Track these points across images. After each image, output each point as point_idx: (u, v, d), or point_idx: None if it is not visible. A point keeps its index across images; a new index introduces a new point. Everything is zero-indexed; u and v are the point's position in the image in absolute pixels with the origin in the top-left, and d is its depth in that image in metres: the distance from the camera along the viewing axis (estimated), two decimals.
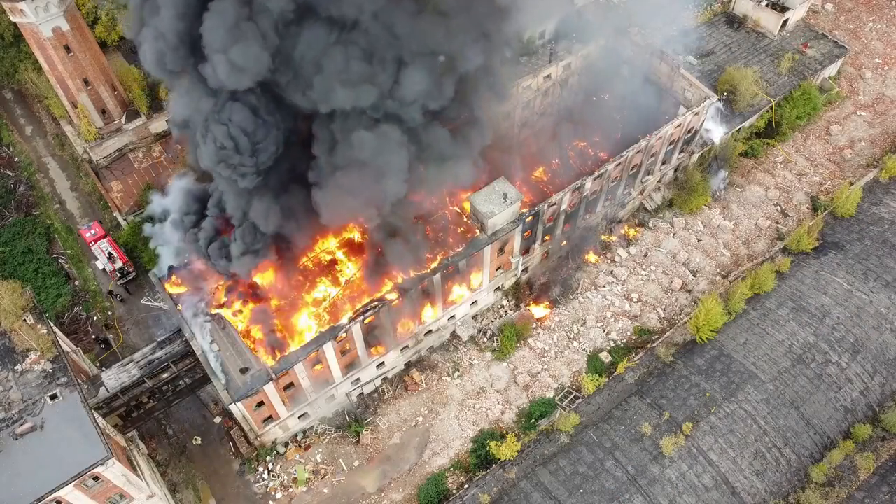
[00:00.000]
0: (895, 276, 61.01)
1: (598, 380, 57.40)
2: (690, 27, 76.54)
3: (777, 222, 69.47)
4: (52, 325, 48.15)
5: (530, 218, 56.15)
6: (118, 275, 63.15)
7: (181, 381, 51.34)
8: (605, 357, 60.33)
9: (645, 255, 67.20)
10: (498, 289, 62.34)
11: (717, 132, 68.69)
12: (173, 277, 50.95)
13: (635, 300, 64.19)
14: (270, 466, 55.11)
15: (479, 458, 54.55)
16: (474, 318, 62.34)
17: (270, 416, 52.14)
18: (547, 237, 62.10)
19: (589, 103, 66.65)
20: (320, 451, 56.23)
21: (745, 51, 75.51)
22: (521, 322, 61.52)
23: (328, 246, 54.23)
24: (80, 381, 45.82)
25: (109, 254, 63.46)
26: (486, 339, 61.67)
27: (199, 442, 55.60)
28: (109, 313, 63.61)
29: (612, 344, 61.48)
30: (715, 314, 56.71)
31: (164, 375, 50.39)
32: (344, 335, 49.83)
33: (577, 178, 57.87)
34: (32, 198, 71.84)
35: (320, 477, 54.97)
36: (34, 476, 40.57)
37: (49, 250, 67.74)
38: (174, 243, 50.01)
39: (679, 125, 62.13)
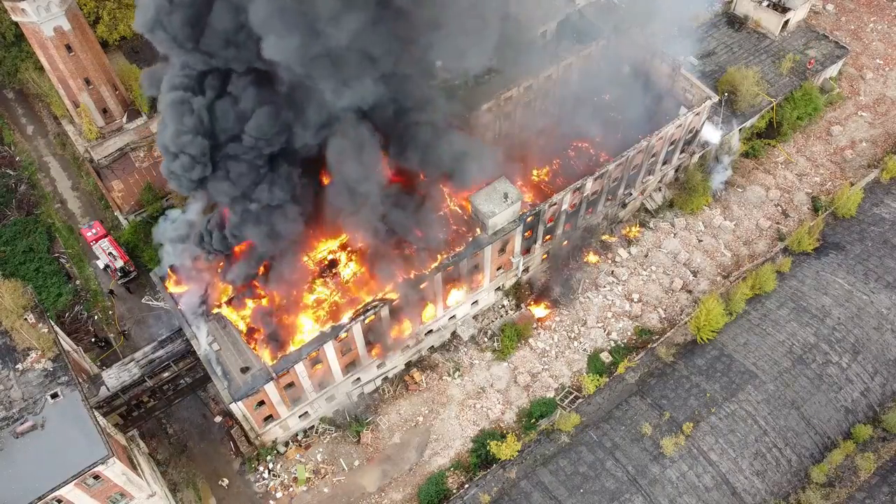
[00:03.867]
0: None
1: (598, 380, 57.42)
2: (691, 27, 76.57)
3: (778, 223, 69.47)
4: (52, 324, 48.20)
5: (531, 218, 56.18)
6: (119, 274, 63.20)
7: (182, 381, 51.35)
8: (605, 357, 60.35)
9: (646, 256, 67.21)
10: (499, 288, 62.35)
11: (714, 134, 68.70)
12: (174, 276, 50.98)
13: (636, 300, 64.20)
14: (271, 466, 55.14)
15: (480, 458, 54.57)
16: (475, 317, 62.36)
17: (271, 416, 52.17)
18: (548, 237, 62.12)
19: (590, 104, 66.60)
20: (321, 450, 56.26)
21: (746, 51, 75.51)
22: (521, 322, 61.54)
23: (330, 246, 54.37)
24: (80, 380, 45.88)
25: (110, 253, 63.51)
26: (486, 339, 61.68)
27: (226, 483, 54.80)
28: (113, 313, 63.67)
29: (612, 344, 61.50)
30: (715, 314, 56.71)
31: (165, 374, 50.43)
32: (345, 335, 49.87)
33: (578, 179, 57.89)
34: (34, 197, 71.89)
35: (321, 476, 55.00)
36: (35, 474, 40.64)
37: (50, 249, 67.79)
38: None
39: (680, 125, 62.15)
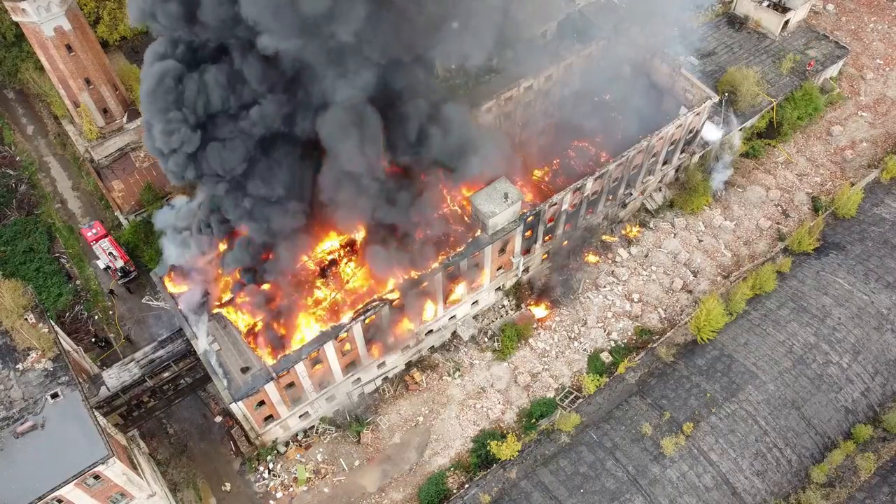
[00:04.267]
0: None
1: (598, 380, 57.42)
2: (692, 27, 76.62)
3: (778, 223, 69.47)
4: (53, 323, 48.20)
5: (531, 218, 56.18)
6: (119, 274, 63.21)
7: (182, 380, 51.36)
8: (605, 357, 60.34)
9: (646, 256, 67.21)
10: (499, 289, 62.36)
11: (715, 133, 68.70)
12: (174, 275, 50.92)
13: (636, 300, 64.19)
14: (271, 466, 55.15)
15: (480, 458, 54.56)
16: (475, 317, 62.36)
17: (271, 416, 52.17)
18: (548, 237, 62.12)
19: (590, 103, 66.69)
20: (321, 450, 56.26)
21: (746, 51, 75.55)
22: (521, 322, 61.54)
23: (330, 246, 54.35)
24: (81, 380, 45.88)
25: (111, 253, 63.51)
26: (486, 339, 61.68)
27: (228, 488, 54.68)
28: (113, 313, 63.68)
29: (612, 344, 61.49)
30: (716, 314, 56.70)
31: (165, 374, 50.42)
32: (345, 335, 49.86)
33: (579, 179, 57.91)
34: (34, 197, 71.90)
35: (321, 476, 55.00)
36: (35, 474, 40.64)
37: (50, 249, 67.81)
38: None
39: (680, 125, 62.16)
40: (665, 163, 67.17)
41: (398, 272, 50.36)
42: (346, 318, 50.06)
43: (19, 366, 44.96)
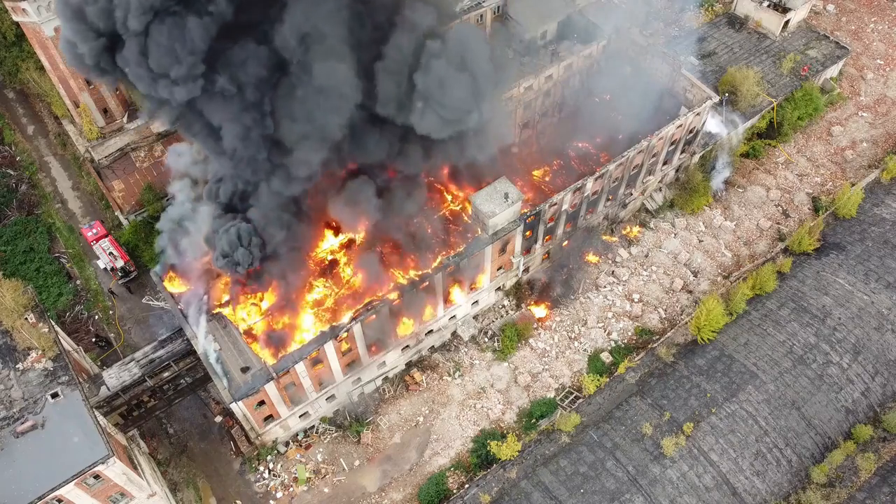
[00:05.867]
0: None
1: (598, 380, 57.42)
2: (692, 27, 76.66)
3: (778, 223, 69.47)
4: (53, 323, 48.20)
5: (531, 218, 56.18)
6: (120, 274, 63.22)
7: (182, 380, 51.35)
8: (605, 357, 60.33)
9: (646, 256, 67.20)
10: (499, 289, 62.36)
11: (719, 127, 68.70)
12: (172, 274, 50.89)
13: (636, 300, 64.18)
14: (271, 466, 55.14)
15: (480, 458, 54.56)
16: (475, 317, 62.36)
17: (271, 415, 52.17)
18: (548, 237, 62.12)
19: (590, 104, 66.71)
20: (321, 450, 56.26)
21: (746, 51, 75.55)
22: (522, 322, 61.54)
23: (330, 246, 54.36)
24: (81, 380, 45.88)
25: (111, 253, 63.53)
26: (486, 339, 61.68)
27: None
28: (114, 313, 63.68)
29: (612, 344, 61.48)
30: (716, 314, 56.71)
31: (165, 374, 50.41)
32: (345, 335, 49.86)
33: (579, 179, 57.90)
34: (34, 197, 71.94)
35: (321, 476, 54.99)
36: (35, 474, 40.63)
37: (50, 249, 67.85)
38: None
39: (680, 125, 62.17)
40: (665, 163, 67.17)
41: (365, 219, 48.80)
42: (346, 317, 50.06)
43: (19, 365, 44.97)
